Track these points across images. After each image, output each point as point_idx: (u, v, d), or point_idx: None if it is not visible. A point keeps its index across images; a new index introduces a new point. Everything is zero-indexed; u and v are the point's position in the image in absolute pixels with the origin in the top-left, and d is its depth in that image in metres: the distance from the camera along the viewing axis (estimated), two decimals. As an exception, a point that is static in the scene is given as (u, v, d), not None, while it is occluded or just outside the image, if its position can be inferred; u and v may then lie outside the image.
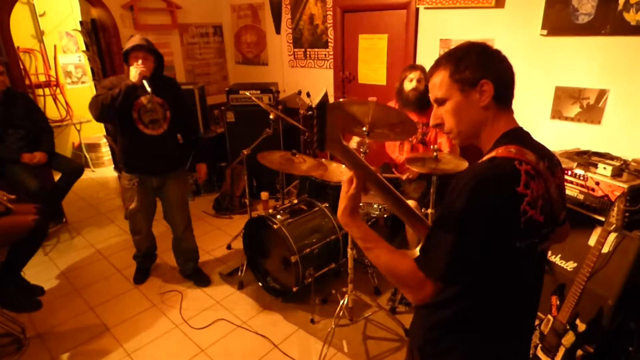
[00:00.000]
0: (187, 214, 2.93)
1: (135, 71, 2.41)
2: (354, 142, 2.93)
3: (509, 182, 0.89)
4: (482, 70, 0.98)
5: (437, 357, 1.08)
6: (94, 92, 5.68)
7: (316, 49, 4.14)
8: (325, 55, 4.08)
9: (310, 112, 0.88)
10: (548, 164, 1.00)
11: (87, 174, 5.20)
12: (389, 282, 2.85)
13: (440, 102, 1.03)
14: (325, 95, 0.91)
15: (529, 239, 0.94)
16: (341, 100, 2.29)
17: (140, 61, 2.43)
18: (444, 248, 0.90)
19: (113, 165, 5.37)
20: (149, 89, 2.42)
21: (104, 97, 2.41)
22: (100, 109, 2.42)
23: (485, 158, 0.97)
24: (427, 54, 3.30)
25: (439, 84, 1.02)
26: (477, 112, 1.00)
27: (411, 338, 1.22)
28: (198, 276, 3.02)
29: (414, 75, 2.83)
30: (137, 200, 2.71)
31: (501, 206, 0.89)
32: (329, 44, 4.00)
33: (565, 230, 1.18)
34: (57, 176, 3.61)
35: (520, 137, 1.00)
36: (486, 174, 0.91)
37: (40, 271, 3.16)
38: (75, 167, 3.58)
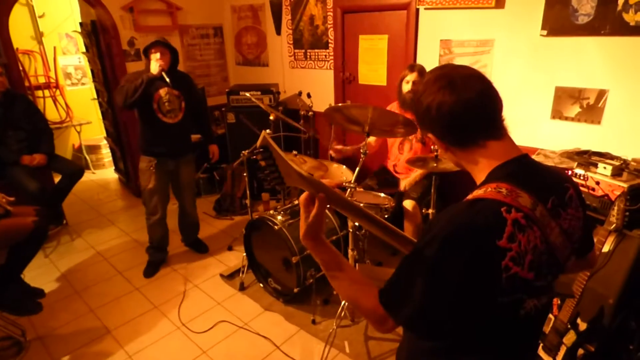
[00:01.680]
0: (194, 193, 3.36)
1: (155, 64, 2.74)
2: (338, 154, 2.97)
3: (488, 235, 0.77)
4: (420, 124, 0.94)
5: None
6: (94, 94, 5.71)
7: (316, 50, 4.14)
8: (325, 56, 4.08)
9: (256, 158, 0.89)
10: (553, 204, 0.85)
11: (88, 176, 5.20)
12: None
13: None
14: (264, 138, 0.90)
15: (513, 295, 0.81)
16: (340, 104, 2.31)
17: (159, 55, 2.75)
18: (410, 295, 0.81)
19: (114, 167, 5.37)
20: (167, 80, 2.77)
21: (129, 87, 2.74)
22: (125, 96, 2.73)
23: (470, 197, 0.85)
24: (428, 55, 3.31)
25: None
26: (450, 157, 0.95)
27: None
28: (198, 245, 3.47)
29: (410, 77, 2.85)
30: (155, 180, 2.98)
31: (477, 262, 0.77)
32: (330, 44, 4.00)
33: (592, 258, 1.08)
34: (57, 178, 3.61)
35: (518, 171, 0.86)
36: (463, 223, 0.79)
37: (40, 273, 3.16)
38: (75, 169, 3.58)
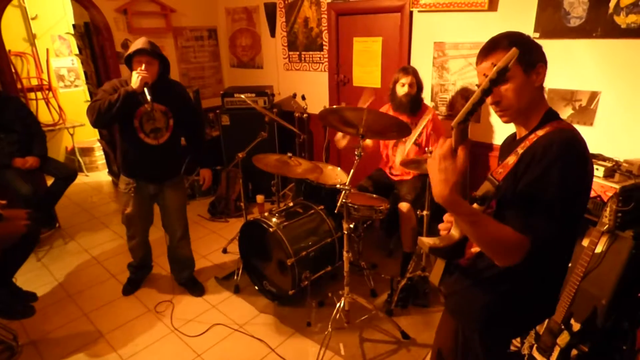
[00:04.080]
0: (184, 222, 2.85)
1: (136, 77, 2.27)
2: (344, 140, 2.88)
3: (585, 147, 1.07)
4: (538, 54, 1.13)
5: (501, 327, 1.27)
6: (87, 96, 5.68)
7: (311, 52, 4.15)
8: (320, 58, 4.09)
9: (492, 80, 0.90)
10: None
11: (81, 179, 5.16)
12: (384, 284, 2.86)
13: (503, 81, 1.10)
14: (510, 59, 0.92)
15: (589, 192, 1.12)
16: (334, 107, 2.31)
17: (143, 66, 2.30)
18: (547, 212, 1.02)
19: (107, 170, 5.34)
20: (149, 98, 2.29)
21: (102, 103, 2.29)
22: (97, 115, 2.30)
23: (542, 133, 1.10)
24: (421, 57, 3.32)
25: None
26: (533, 91, 1.14)
27: (465, 320, 1.33)
28: (193, 285, 2.95)
29: (405, 80, 2.84)
30: (133, 205, 2.63)
31: (587, 168, 1.07)
32: (324, 47, 4.01)
33: None
34: (49, 181, 3.58)
35: (556, 117, 1.17)
36: (570, 141, 1.05)
37: (32, 277, 3.13)
38: (68, 171, 3.55)
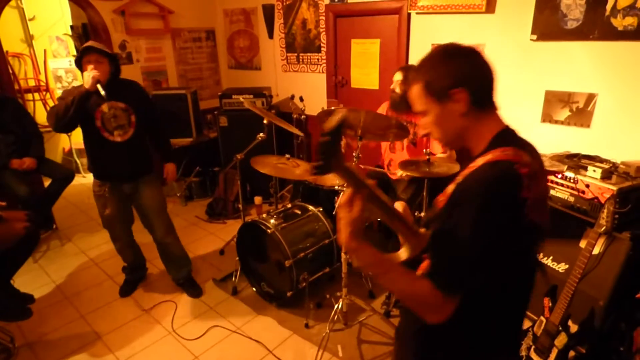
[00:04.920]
0: (165, 219, 2.82)
1: (87, 76, 2.30)
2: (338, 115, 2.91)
3: (515, 188, 0.89)
4: (452, 79, 0.97)
5: None
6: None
7: (309, 54, 4.15)
8: (318, 59, 4.09)
9: (324, 138, 0.80)
10: (539, 162, 0.99)
11: (78, 180, 5.14)
12: (382, 286, 2.86)
13: (422, 114, 1.04)
14: (341, 119, 0.83)
15: (530, 242, 0.97)
16: (332, 108, 2.31)
17: (92, 66, 2.33)
18: (461, 260, 0.89)
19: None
20: (103, 93, 2.30)
21: (59, 108, 2.34)
22: (55, 120, 2.35)
23: (481, 162, 0.95)
24: (420, 59, 3.32)
25: (416, 98, 1.04)
26: (458, 120, 1.00)
27: (403, 342, 1.21)
28: (190, 285, 2.94)
29: (395, 77, 2.88)
30: (111, 207, 2.64)
31: (510, 212, 0.89)
32: (322, 48, 4.01)
33: None
34: (47, 182, 3.57)
35: (512, 138, 1.01)
36: (493, 181, 0.90)
37: (29, 279, 3.11)
38: (65, 172, 3.54)
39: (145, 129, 2.65)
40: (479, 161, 0.96)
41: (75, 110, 2.32)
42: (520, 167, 0.90)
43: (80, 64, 2.39)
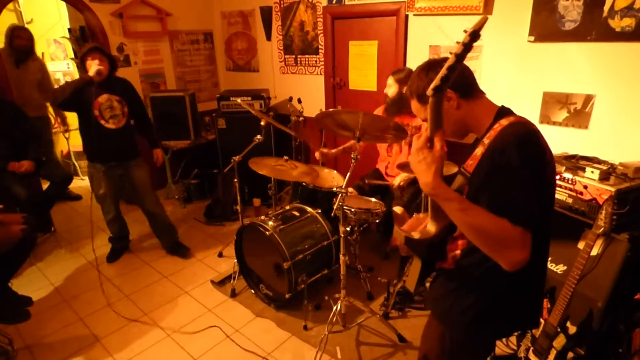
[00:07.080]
0: (153, 193, 3.34)
1: (94, 68, 2.78)
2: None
3: (537, 136, 1.08)
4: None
5: (485, 328, 1.24)
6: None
7: (307, 56, 4.16)
8: (316, 61, 4.10)
9: (465, 41, 0.85)
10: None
11: (76, 182, 5.14)
12: (381, 287, 2.86)
13: (426, 120, 1.11)
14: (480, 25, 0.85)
15: (554, 187, 1.17)
16: (331, 110, 2.33)
17: (98, 61, 2.81)
18: (524, 198, 1.00)
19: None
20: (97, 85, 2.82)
21: (62, 86, 2.88)
22: (62, 93, 2.81)
23: (498, 128, 1.11)
24: (417, 60, 3.33)
25: (416, 110, 1.28)
26: (456, 114, 1.20)
27: (450, 324, 1.31)
28: (179, 248, 3.47)
29: (390, 81, 2.91)
30: (104, 186, 3.14)
31: (542, 155, 1.07)
32: (320, 50, 4.02)
33: None
34: (45, 185, 3.57)
35: (512, 112, 1.19)
36: (519, 132, 1.06)
37: (28, 281, 3.11)
38: (63, 175, 3.53)
39: (134, 119, 3.18)
40: (503, 122, 1.12)
41: (75, 88, 2.78)
42: (532, 125, 1.10)
43: (84, 60, 2.85)
